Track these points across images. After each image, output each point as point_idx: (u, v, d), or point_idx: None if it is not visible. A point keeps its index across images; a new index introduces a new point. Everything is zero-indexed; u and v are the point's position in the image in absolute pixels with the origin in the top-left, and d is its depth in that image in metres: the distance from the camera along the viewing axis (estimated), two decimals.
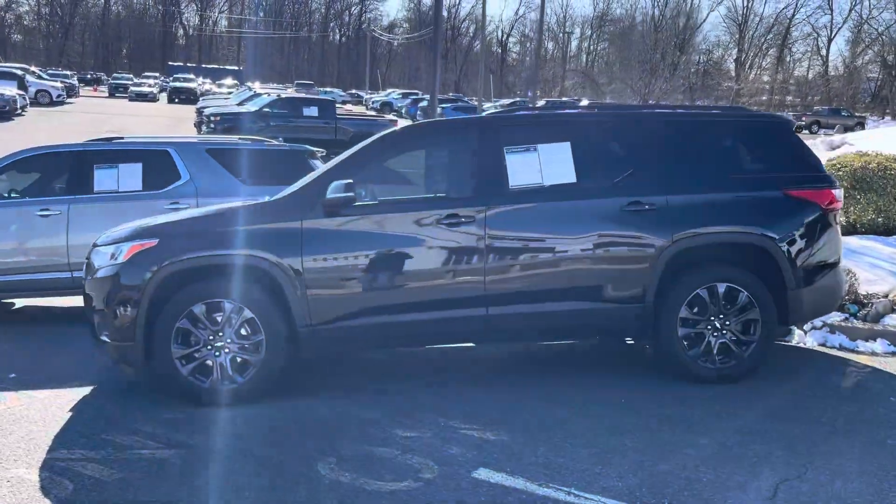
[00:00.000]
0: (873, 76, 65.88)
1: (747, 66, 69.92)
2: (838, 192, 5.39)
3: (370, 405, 4.82)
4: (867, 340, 6.20)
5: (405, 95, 46.44)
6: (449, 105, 34.80)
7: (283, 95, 24.59)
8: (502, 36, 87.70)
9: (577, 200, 5.13)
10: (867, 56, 64.45)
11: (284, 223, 4.96)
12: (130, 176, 7.57)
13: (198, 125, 24.83)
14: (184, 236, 4.96)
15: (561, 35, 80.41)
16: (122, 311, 4.87)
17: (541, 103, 43.20)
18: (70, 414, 4.79)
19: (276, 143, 8.17)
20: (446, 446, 4.15)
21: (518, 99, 48.74)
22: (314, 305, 4.90)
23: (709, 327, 5.15)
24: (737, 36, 71.07)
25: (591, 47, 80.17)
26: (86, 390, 5.21)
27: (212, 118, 21.73)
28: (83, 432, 4.45)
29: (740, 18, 70.82)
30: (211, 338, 4.88)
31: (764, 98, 61.84)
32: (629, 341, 6.04)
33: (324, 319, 4.92)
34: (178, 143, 7.84)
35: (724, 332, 5.14)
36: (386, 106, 44.24)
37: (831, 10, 68.58)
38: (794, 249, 5.18)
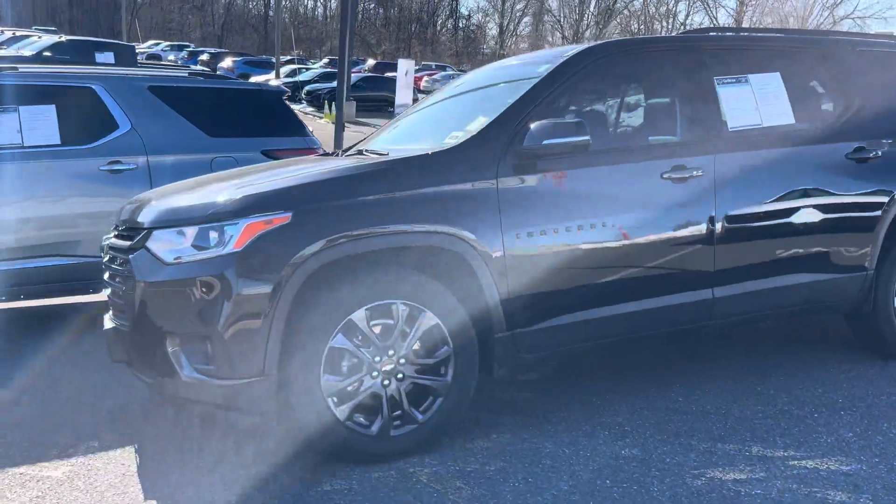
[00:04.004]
0: None
1: (508, 34, 72.52)
2: None
3: (606, 433, 3.45)
4: None
5: (177, 47, 41.50)
6: (240, 59, 31.59)
7: (67, 38, 20.46)
8: None
9: (799, 146, 4.10)
10: (611, 26, 69.64)
11: (470, 183, 3.35)
12: (40, 124, 5.23)
13: None
14: (331, 206, 3.15)
15: None
16: (240, 331, 3.00)
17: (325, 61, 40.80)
18: None
19: (241, 80, 6.11)
20: (847, 495, 2.95)
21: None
22: (517, 301, 3.38)
23: None
24: (498, 3, 73.18)
25: (362, 7, 78.17)
26: (122, 455, 3.27)
27: None
28: None
29: None
30: (377, 359, 3.19)
31: None
32: None
33: (528, 320, 3.43)
34: (105, 76, 5.55)
35: None
36: (153, 58, 39.23)
37: None
38: None
